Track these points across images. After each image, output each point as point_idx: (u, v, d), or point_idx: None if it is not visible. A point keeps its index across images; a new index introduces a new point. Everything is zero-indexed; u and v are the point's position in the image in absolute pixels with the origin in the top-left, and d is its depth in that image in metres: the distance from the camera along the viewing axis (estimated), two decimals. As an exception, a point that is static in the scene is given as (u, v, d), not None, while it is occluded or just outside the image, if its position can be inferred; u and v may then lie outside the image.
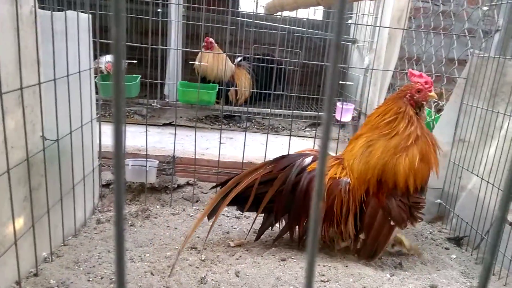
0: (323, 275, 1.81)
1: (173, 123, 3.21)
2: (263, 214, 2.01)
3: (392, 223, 1.87)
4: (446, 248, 2.19)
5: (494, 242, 0.36)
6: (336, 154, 2.41)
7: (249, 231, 2.11)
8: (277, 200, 1.92)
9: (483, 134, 2.22)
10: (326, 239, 1.97)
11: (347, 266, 1.89)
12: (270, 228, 2.02)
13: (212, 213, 1.88)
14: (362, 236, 1.92)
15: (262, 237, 2.11)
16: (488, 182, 2.08)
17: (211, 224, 1.92)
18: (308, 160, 1.95)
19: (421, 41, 3.17)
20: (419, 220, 1.90)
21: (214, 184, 2.44)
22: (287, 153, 2.02)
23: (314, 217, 0.41)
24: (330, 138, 0.39)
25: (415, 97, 1.85)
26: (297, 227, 1.97)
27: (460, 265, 2.04)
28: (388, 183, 1.82)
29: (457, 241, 2.25)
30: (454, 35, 2.67)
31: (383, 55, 3.14)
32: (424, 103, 1.88)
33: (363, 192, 1.86)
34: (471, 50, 2.44)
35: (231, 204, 1.93)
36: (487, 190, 2.09)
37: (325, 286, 1.74)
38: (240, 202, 1.94)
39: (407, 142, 1.80)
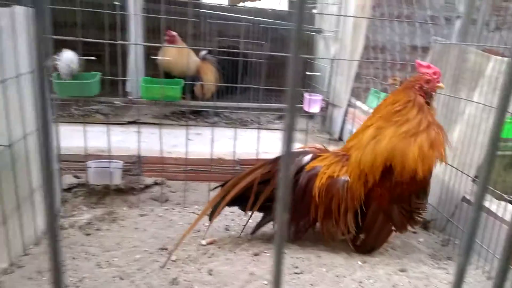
0: (296, 267, 1.81)
1: (137, 121, 3.12)
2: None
3: (392, 228, 1.90)
4: (414, 232, 2.23)
5: (469, 242, 0.34)
6: (306, 145, 2.40)
7: (246, 228, 2.07)
8: (277, 200, 1.90)
9: (446, 119, 2.25)
10: (325, 234, 1.97)
11: (319, 256, 1.90)
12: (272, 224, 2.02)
13: (213, 213, 1.90)
14: (362, 236, 1.95)
15: (233, 233, 2.09)
16: (452, 166, 2.12)
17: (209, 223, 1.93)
18: (307, 158, 1.95)
19: (385, 29, 3.20)
20: (418, 223, 1.93)
21: (183, 182, 2.40)
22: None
23: (280, 208, 0.38)
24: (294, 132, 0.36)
25: (424, 88, 1.83)
26: (295, 225, 1.98)
27: (427, 248, 2.09)
28: (397, 167, 1.80)
29: (424, 224, 2.29)
30: (416, 23, 2.70)
31: (348, 44, 3.14)
32: (433, 93, 1.86)
33: (362, 191, 1.86)
34: (434, 37, 2.47)
35: (233, 204, 1.95)
36: (451, 174, 2.14)
37: (298, 278, 1.74)
38: (242, 202, 1.95)
39: (419, 127, 1.79)
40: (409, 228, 1.92)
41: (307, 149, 2.04)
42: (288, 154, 0.34)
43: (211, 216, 1.91)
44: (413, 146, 1.77)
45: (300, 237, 2.00)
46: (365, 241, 1.95)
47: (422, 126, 1.79)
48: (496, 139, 0.40)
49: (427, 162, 1.78)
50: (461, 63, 2.17)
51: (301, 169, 1.92)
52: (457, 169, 2.10)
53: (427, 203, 1.96)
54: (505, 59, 1.95)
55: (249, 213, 1.98)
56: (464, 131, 2.09)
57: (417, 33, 2.68)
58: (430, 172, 1.81)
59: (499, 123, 0.39)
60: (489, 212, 1.94)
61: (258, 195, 1.90)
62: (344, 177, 1.88)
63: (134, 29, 3.28)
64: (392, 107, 1.85)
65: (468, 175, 2.06)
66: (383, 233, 1.92)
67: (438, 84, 1.84)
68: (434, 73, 1.84)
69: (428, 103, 1.84)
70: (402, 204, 1.85)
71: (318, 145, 2.11)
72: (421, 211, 1.89)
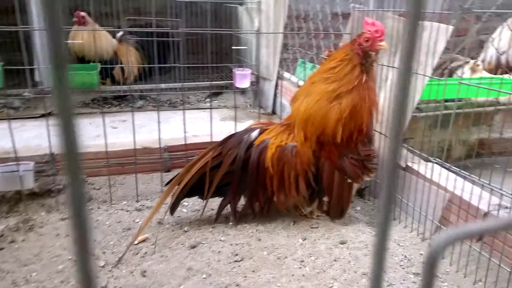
0: (236, 255, 1.75)
1: (52, 112, 2.84)
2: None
3: (349, 180, 1.90)
4: (351, 202, 2.25)
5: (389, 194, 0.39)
6: (235, 121, 2.31)
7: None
8: (232, 181, 1.90)
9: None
10: (282, 209, 1.97)
11: (259, 240, 1.85)
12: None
13: (174, 206, 1.90)
14: (325, 198, 1.95)
15: (167, 225, 1.97)
16: (380, 133, 2.15)
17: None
18: (254, 134, 1.95)
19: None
20: (373, 171, 1.92)
21: (107, 177, 2.21)
22: (234, 132, 2.04)
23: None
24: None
25: (362, 46, 1.76)
26: (258, 203, 1.97)
27: (364, 216, 2.13)
28: (318, 130, 1.83)
29: (360, 192, 2.33)
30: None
31: (271, 15, 3.05)
32: (373, 53, 1.76)
33: (310, 153, 1.86)
34: (352, 4, 2.44)
35: (191, 194, 1.94)
36: (380, 140, 2.17)
37: (239, 266, 1.68)
38: (199, 191, 1.92)
39: (345, 88, 1.77)
40: (366, 177, 1.92)
41: (253, 126, 2.04)
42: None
43: (172, 210, 1.90)
44: (336, 111, 1.79)
45: (265, 214, 1.99)
46: (330, 203, 1.96)
47: (348, 87, 1.78)
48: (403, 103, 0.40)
49: (347, 128, 1.80)
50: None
51: (250, 145, 1.91)
52: (385, 135, 2.13)
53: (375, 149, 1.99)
54: (422, 23, 1.96)
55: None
56: (388, 97, 2.11)
57: (337, 1, 2.64)
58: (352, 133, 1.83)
59: (404, 87, 0.40)
60: (418, 174, 1.99)
61: (212, 180, 1.89)
62: (292, 143, 1.89)
63: (36, 11, 2.94)
64: (328, 64, 1.85)
65: (396, 141, 2.08)
66: (344, 190, 1.92)
67: (379, 44, 1.74)
68: (376, 31, 1.74)
69: (363, 64, 1.78)
70: (351, 155, 1.85)
71: (265, 120, 2.11)
72: (371, 158, 1.89)
